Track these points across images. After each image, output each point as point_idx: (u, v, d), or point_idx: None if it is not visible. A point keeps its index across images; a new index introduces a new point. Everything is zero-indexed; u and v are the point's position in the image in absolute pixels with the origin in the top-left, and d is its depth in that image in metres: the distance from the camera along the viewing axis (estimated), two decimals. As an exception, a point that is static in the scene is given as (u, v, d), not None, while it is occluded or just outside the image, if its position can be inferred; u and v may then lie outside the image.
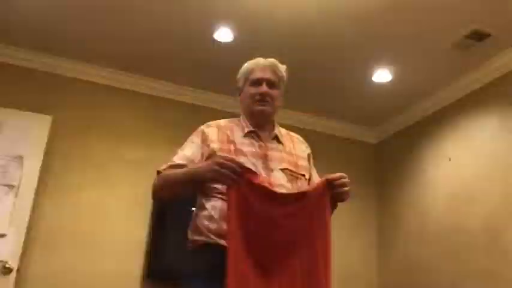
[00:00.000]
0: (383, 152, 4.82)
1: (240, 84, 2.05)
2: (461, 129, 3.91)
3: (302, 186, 1.93)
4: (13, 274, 3.38)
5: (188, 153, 1.91)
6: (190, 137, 2.00)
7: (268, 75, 1.99)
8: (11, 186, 3.57)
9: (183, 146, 1.98)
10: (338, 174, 1.81)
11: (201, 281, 1.73)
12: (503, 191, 3.39)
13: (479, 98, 3.80)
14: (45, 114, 3.82)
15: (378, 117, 4.66)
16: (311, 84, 4.18)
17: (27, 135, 3.72)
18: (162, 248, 3.85)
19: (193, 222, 1.88)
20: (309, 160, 2.07)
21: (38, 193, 3.69)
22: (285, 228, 1.71)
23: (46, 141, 3.75)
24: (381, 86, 4.10)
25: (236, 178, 1.69)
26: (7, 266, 3.35)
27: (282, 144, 2.00)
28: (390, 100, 4.34)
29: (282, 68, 2.05)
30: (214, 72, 4.06)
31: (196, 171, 1.79)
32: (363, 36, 3.54)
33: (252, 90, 1.98)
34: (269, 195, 1.72)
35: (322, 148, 4.56)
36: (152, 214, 3.99)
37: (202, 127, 2.00)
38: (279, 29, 3.52)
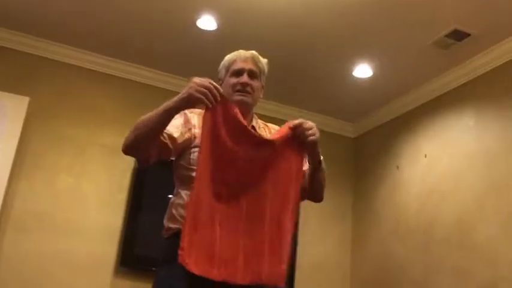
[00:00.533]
0: (361, 146, 4.87)
1: (221, 75, 2.02)
2: (437, 126, 3.97)
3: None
4: (-15, 256, 3.35)
5: (168, 127, 1.81)
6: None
7: (249, 66, 1.97)
8: (-15, 167, 3.53)
9: None
10: (299, 120, 1.82)
11: (174, 267, 1.74)
12: (476, 188, 3.46)
13: (456, 96, 3.85)
14: (23, 95, 3.77)
15: (358, 111, 4.70)
16: (292, 77, 4.19)
17: (3, 115, 3.66)
18: (137, 235, 3.84)
19: (169, 210, 1.88)
20: None
21: (12, 174, 3.65)
22: (243, 171, 1.74)
23: (23, 122, 3.70)
24: (361, 81, 4.13)
25: (213, 100, 1.68)
26: (-21, 247, 3.32)
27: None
28: (370, 95, 4.38)
29: (264, 61, 2.04)
30: (196, 60, 4.04)
31: (171, 100, 1.70)
32: (345, 31, 3.56)
33: (233, 80, 1.95)
34: (240, 131, 1.74)
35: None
36: (128, 201, 3.98)
37: (185, 111, 1.91)
38: (262, 21, 3.51)
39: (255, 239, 1.70)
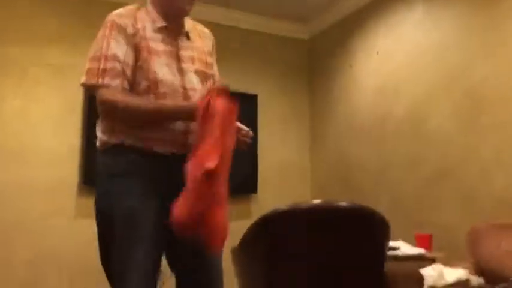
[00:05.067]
0: (315, 47, 4.85)
1: None
2: (389, 22, 3.97)
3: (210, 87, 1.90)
4: None
5: (119, 53, 1.75)
6: (106, 32, 1.78)
7: None
8: None
9: (101, 42, 1.77)
10: (246, 129, 1.87)
11: (120, 180, 1.73)
12: (428, 80, 3.55)
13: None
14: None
15: (310, 12, 4.62)
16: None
17: None
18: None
19: (105, 121, 1.81)
20: (212, 54, 2.01)
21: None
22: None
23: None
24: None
25: None
26: None
27: (191, 41, 1.91)
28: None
29: None
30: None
31: (178, 110, 1.71)
32: None
33: None
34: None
35: (255, 46, 4.53)
36: (83, 120, 3.90)
37: (114, 18, 1.79)
38: None
39: None
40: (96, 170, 1.80)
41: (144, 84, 1.75)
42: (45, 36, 3.90)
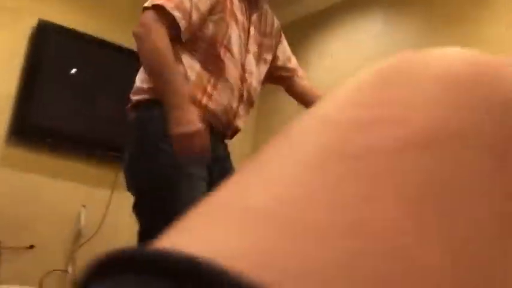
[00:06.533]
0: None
1: None
2: (347, 28, 4.02)
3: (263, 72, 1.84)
4: None
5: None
6: None
7: None
8: None
9: None
10: None
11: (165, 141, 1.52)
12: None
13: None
14: None
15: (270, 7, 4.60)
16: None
17: None
18: (32, 104, 3.63)
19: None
20: (280, 36, 1.95)
21: None
22: None
23: None
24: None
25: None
26: None
27: (260, 20, 1.84)
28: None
29: None
30: None
31: (176, 104, 1.45)
32: None
33: None
34: None
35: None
36: (25, 67, 3.71)
37: None
38: None
39: None
40: (133, 128, 1.58)
41: (205, 44, 1.60)
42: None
